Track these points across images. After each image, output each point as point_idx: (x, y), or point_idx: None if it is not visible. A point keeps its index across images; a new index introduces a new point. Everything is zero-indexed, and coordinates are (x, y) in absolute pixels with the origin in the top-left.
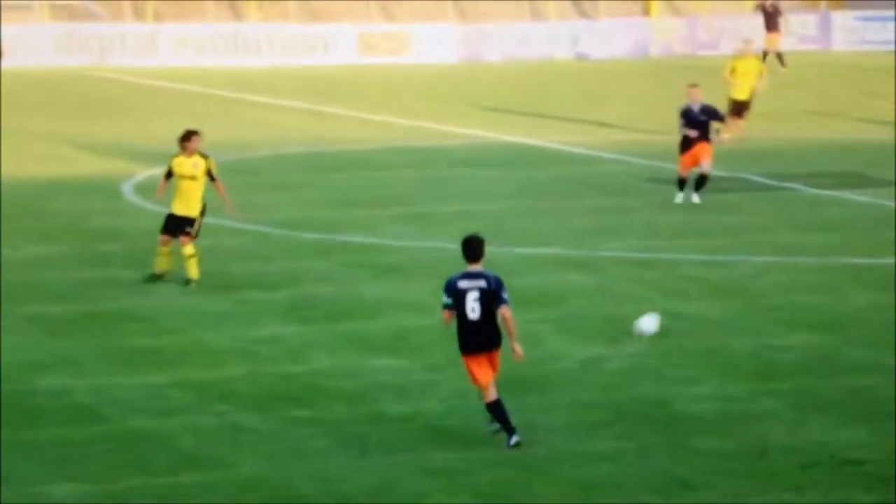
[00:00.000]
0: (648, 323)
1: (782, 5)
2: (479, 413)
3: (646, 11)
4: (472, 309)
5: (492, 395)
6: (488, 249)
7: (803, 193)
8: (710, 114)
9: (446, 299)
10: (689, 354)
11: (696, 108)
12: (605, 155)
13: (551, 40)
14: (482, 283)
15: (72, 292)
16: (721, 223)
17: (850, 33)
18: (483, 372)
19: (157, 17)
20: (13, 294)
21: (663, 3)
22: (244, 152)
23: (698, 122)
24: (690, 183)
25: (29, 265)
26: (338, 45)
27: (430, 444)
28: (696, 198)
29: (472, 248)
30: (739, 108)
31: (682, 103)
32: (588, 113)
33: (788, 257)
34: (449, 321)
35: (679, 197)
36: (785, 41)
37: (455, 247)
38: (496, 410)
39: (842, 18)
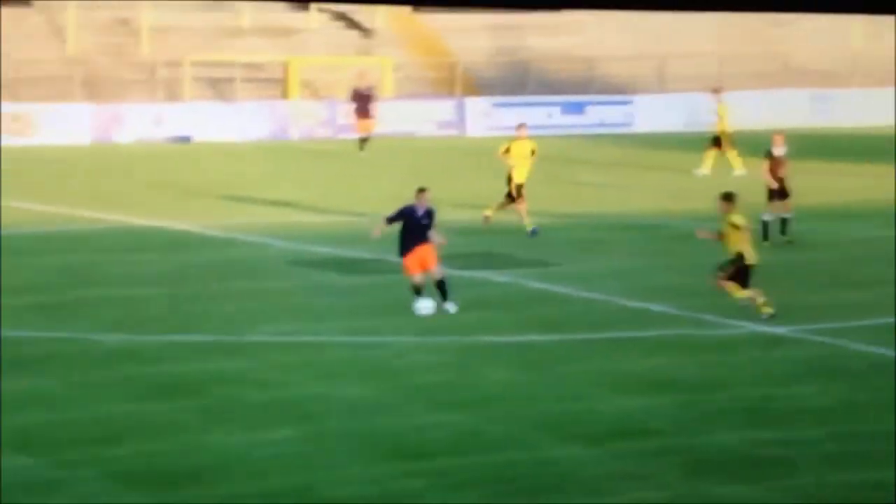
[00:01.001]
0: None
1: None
2: None
3: (284, 94)
4: None
5: None
6: (125, 337)
7: (451, 274)
8: (432, 217)
9: None
10: (335, 437)
11: (420, 210)
12: (250, 238)
13: (190, 121)
14: None
15: None
16: (364, 304)
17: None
18: None
19: None
20: None
21: (302, 87)
22: None
23: (421, 226)
24: (432, 290)
25: None
26: None
27: None
28: (451, 307)
29: None
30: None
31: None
32: (234, 195)
33: (430, 337)
34: None
35: (424, 305)
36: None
37: (96, 338)
38: None
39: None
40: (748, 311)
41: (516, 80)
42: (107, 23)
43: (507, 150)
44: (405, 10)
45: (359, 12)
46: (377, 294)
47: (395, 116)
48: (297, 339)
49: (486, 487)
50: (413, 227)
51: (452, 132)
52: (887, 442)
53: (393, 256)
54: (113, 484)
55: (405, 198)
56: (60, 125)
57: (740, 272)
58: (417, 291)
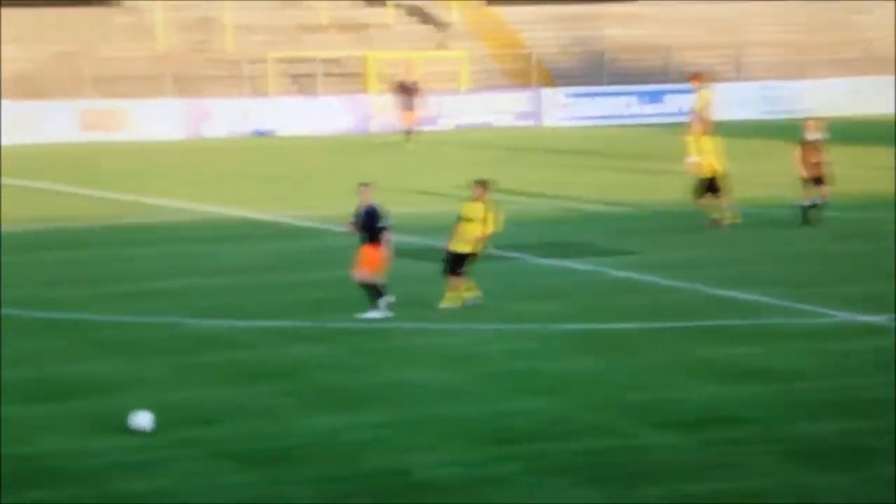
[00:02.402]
0: (143, 420)
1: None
2: (216, 490)
3: (364, 88)
4: None
5: None
6: (222, 323)
7: (530, 263)
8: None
9: None
10: (424, 422)
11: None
12: (338, 227)
13: (274, 115)
14: None
15: None
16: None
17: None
18: None
19: None
20: None
21: (382, 80)
22: None
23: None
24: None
25: None
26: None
27: None
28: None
29: None
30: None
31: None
32: (314, 186)
33: (515, 325)
34: None
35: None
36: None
37: (193, 323)
38: None
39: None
40: (840, 301)
41: (592, 71)
42: (193, 21)
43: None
44: (480, 4)
45: (434, 7)
46: None
47: (471, 108)
48: (386, 326)
49: (578, 473)
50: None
51: (529, 123)
52: None
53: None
54: (214, 463)
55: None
56: (152, 120)
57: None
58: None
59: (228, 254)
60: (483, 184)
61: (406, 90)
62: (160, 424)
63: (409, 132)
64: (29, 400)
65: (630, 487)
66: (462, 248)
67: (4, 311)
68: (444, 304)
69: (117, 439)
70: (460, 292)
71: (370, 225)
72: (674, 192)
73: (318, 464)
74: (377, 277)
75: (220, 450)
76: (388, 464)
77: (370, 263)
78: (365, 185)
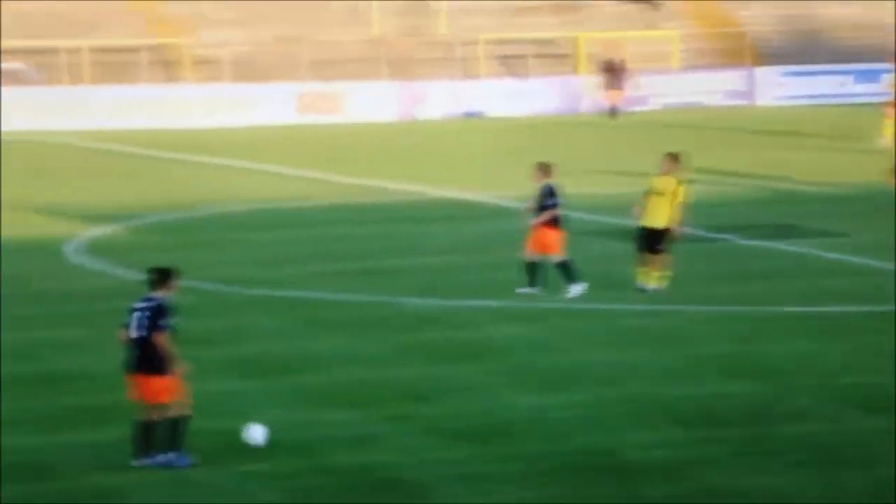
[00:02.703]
0: (256, 433)
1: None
2: (431, 464)
3: (575, 69)
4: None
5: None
6: (434, 302)
7: (738, 244)
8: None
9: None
10: (634, 402)
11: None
12: None
13: (484, 97)
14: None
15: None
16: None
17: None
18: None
19: (93, 79)
20: None
21: (591, 61)
22: (183, 211)
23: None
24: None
25: None
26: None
27: (382, 495)
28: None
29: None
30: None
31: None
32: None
33: (728, 306)
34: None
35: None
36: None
37: (407, 302)
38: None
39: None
40: None
41: (807, 49)
42: (407, 5)
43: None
44: None
45: None
46: (673, 262)
47: (682, 88)
48: (592, 307)
49: (788, 456)
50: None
51: (741, 102)
52: None
53: (686, 225)
54: (427, 439)
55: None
56: (368, 103)
57: None
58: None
59: (440, 234)
60: (674, 157)
61: (613, 69)
62: (374, 399)
63: (613, 111)
64: (246, 376)
65: (840, 471)
66: (655, 222)
67: (223, 288)
68: (640, 281)
69: (332, 414)
70: (656, 271)
71: (544, 204)
72: (886, 173)
73: (527, 441)
74: (556, 256)
75: (433, 426)
76: (596, 443)
77: (543, 244)
78: (543, 164)
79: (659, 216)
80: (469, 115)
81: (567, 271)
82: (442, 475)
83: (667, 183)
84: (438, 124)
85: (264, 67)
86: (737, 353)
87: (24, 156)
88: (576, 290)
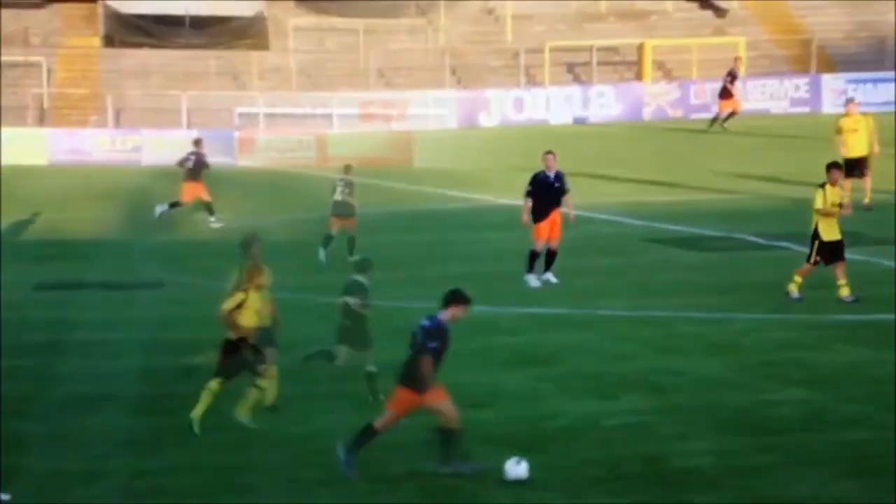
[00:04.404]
0: (516, 469)
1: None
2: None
3: (639, 77)
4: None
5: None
6: (487, 309)
7: (795, 252)
8: (563, 181)
9: None
10: (683, 410)
11: (551, 175)
12: (600, 216)
13: (548, 104)
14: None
15: None
16: (713, 281)
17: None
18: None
19: None
20: None
21: (655, 68)
22: None
23: (552, 189)
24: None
25: None
26: None
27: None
28: (552, 277)
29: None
30: (852, 167)
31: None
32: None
33: (780, 314)
34: None
35: (532, 279)
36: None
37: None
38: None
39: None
40: None
41: (874, 56)
42: (475, 14)
43: (839, 130)
44: None
45: None
46: (726, 271)
47: (748, 95)
48: (646, 314)
49: (836, 465)
50: (547, 191)
51: (806, 109)
52: None
53: (741, 233)
54: (479, 445)
55: (751, 175)
56: (431, 111)
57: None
58: (535, 260)
59: (497, 240)
60: (838, 167)
61: (733, 78)
62: None
63: (716, 119)
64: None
65: (890, 481)
66: (834, 235)
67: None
68: (793, 290)
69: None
70: (844, 279)
71: (560, 189)
72: None
73: (574, 449)
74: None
75: (486, 432)
76: (644, 450)
77: (557, 229)
78: (549, 152)
79: (835, 228)
80: (533, 123)
81: (530, 260)
82: (489, 481)
83: (836, 194)
84: (500, 131)
85: (329, 77)
86: (788, 361)
87: None
88: (532, 280)
